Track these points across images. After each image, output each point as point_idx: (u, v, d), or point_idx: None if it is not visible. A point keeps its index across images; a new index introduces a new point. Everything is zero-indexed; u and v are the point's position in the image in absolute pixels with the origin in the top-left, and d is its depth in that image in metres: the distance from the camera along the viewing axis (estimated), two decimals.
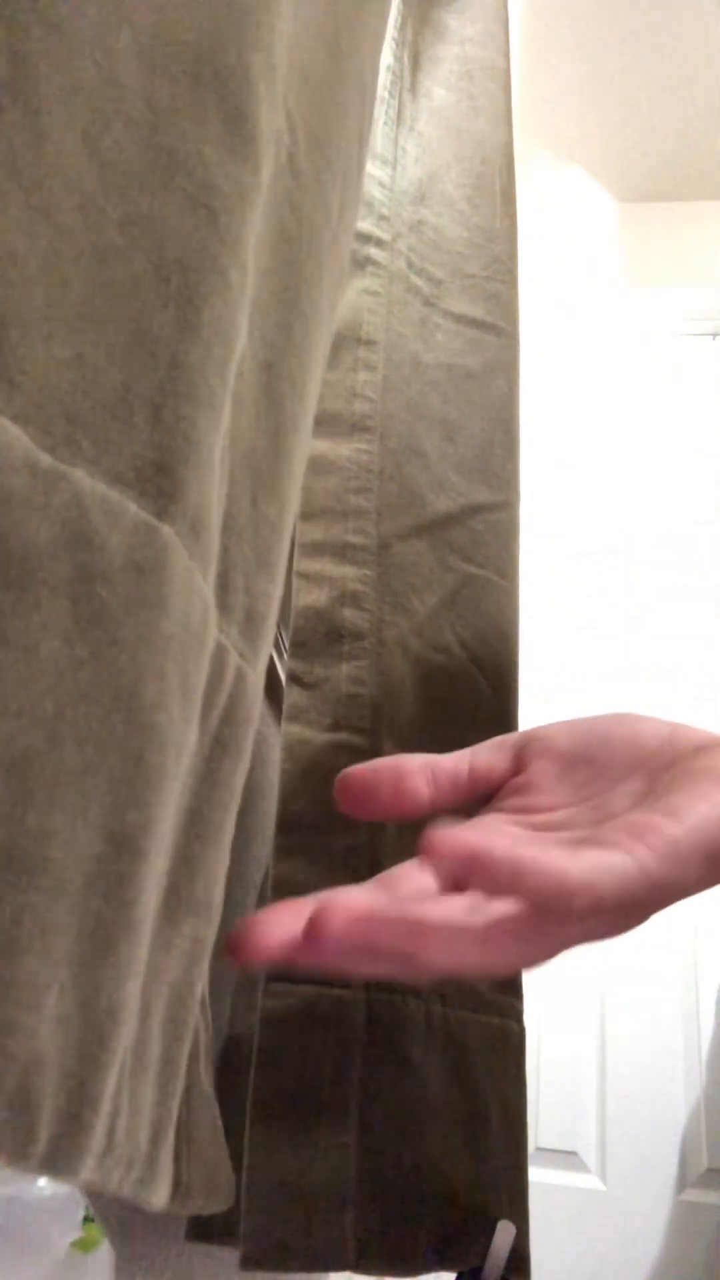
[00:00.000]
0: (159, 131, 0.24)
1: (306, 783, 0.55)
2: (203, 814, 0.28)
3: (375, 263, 0.72)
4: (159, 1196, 0.26)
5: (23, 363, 0.20)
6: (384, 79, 0.77)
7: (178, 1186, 0.29)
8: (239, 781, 0.31)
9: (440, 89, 0.81)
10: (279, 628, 0.66)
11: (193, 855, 0.28)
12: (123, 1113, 0.24)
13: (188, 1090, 0.30)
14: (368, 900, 0.25)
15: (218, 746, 0.29)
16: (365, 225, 0.72)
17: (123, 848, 0.22)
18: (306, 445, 0.37)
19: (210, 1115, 0.34)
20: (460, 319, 0.73)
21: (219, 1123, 0.36)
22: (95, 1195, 0.42)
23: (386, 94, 0.78)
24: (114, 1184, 0.23)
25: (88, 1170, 0.21)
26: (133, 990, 0.23)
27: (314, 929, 0.24)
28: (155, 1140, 0.26)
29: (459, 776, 0.37)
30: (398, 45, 0.81)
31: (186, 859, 0.27)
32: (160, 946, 0.26)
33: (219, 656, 0.28)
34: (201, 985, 0.30)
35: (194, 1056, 0.32)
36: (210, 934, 0.30)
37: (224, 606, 0.29)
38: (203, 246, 0.25)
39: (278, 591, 0.34)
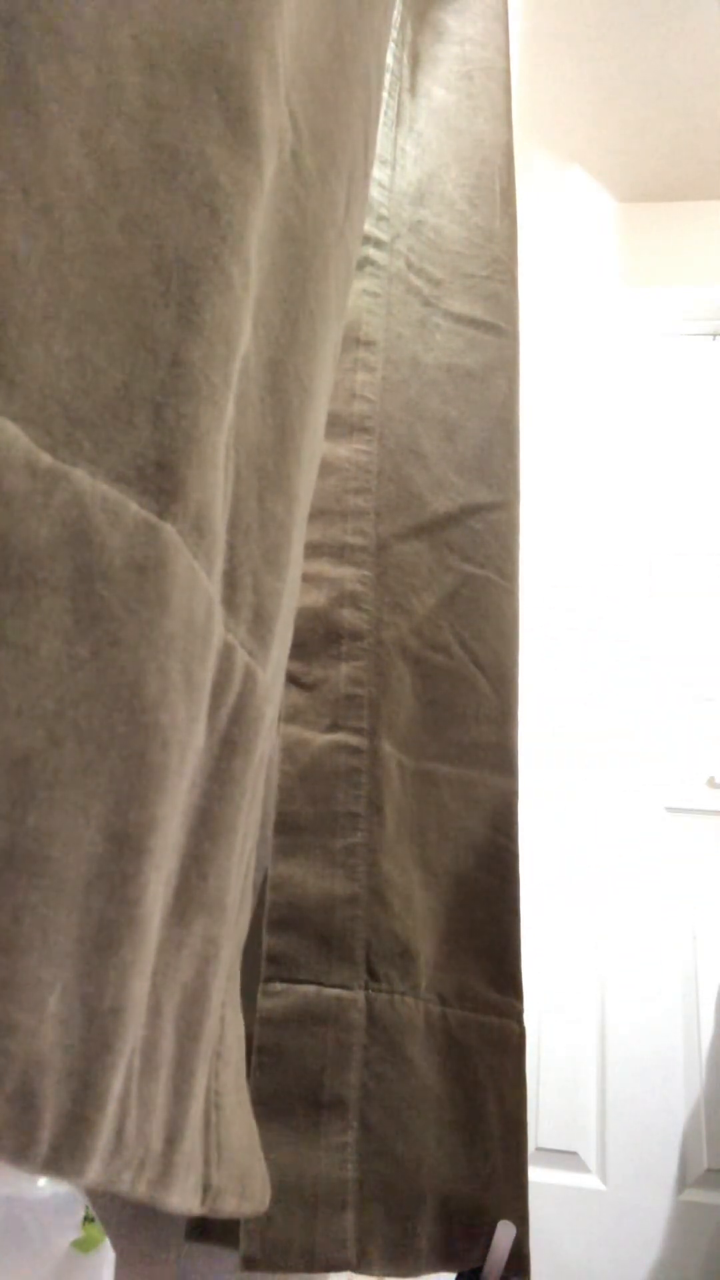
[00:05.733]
0: (160, 130, 0.24)
1: (305, 783, 0.55)
2: (213, 812, 0.28)
3: (374, 263, 0.72)
4: (178, 1198, 0.26)
5: (23, 363, 0.20)
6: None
7: (207, 1190, 0.29)
8: (251, 780, 0.30)
9: (440, 89, 0.81)
10: None
11: (203, 854, 0.27)
12: (131, 1113, 0.23)
13: (217, 1094, 0.30)
14: None
15: (227, 745, 0.29)
16: (364, 226, 0.72)
17: (125, 846, 0.22)
18: (318, 443, 0.37)
19: (244, 1119, 0.34)
20: (460, 319, 0.73)
21: (254, 1127, 0.35)
22: (96, 1195, 0.42)
23: (386, 94, 0.78)
24: (125, 1185, 0.23)
25: (94, 1170, 0.21)
26: (139, 990, 0.23)
27: None
28: (170, 1141, 0.26)
29: None
30: (397, 45, 0.81)
31: (197, 858, 0.27)
32: (171, 946, 0.26)
33: (226, 654, 0.28)
34: (219, 985, 0.29)
35: (222, 1060, 0.31)
36: (225, 933, 0.29)
37: (231, 604, 0.29)
38: (204, 245, 0.25)
39: (288, 589, 0.33)
